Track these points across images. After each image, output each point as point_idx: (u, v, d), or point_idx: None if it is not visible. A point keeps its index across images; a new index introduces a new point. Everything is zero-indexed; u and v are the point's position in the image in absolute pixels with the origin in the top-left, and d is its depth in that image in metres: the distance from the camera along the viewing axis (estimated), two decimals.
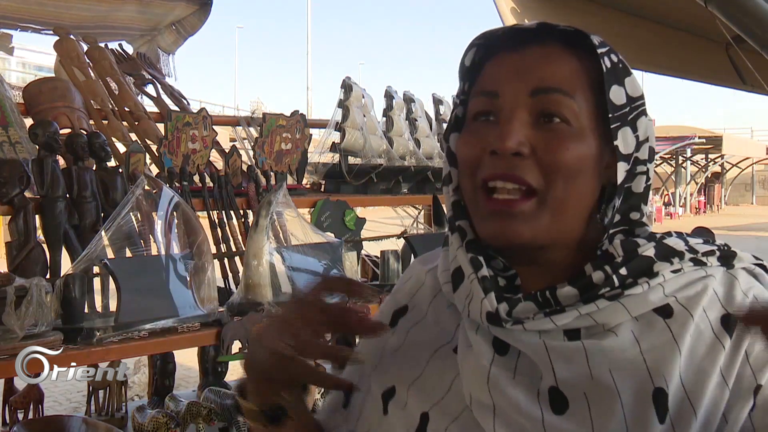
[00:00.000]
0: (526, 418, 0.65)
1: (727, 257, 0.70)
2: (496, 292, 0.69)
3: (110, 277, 1.78)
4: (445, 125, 3.12)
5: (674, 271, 0.67)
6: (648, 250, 0.68)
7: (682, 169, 26.42)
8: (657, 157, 0.83)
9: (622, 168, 0.68)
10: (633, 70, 0.72)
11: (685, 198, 26.68)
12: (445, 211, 0.77)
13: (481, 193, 0.69)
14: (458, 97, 0.76)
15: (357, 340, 2.85)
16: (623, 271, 0.66)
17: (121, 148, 2.19)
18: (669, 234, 0.71)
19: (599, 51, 0.68)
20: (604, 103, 0.68)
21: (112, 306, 1.82)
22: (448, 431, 0.70)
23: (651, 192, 0.73)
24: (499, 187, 0.68)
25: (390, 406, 0.76)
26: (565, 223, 0.69)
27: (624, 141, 0.68)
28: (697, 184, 28.33)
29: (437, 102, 3.14)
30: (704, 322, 0.66)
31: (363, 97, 2.70)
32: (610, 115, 0.67)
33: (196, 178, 2.24)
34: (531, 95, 0.68)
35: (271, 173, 2.45)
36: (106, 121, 2.29)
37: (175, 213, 1.94)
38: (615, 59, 0.69)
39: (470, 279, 0.71)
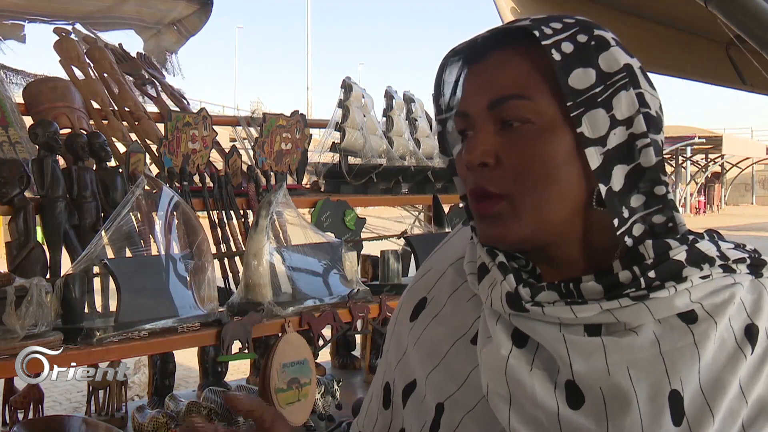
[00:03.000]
0: (542, 410, 0.65)
1: (757, 265, 0.69)
2: (517, 279, 0.70)
3: (110, 277, 1.78)
4: None
5: (703, 277, 0.66)
6: (680, 253, 0.66)
7: (682, 169, 26.42)
8: None
9: (593, 153, 0.66)
10: None
11: (685, 198, 26.68)
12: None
13: (471, 202, 0.72)
14: (452, 110, 0.78)
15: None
16: (652, 273, 0.65)
17: (121, 148, 2.19)
18: (701, 236, 0.70)
19: (546, 43, 0.67)
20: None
21: (112, 306, 1.81)
22: (463, 422, 0.71)
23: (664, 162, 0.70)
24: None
25: (410, 400, 0.77)
26: (554, 218, 0.68)
27: (592, 125, 0.66)
28: (697, 184, 28.33)
29: None
30: (728, 331, 0.66)
31: (363, 97, 2.70)
32: (569, 104, 0.66)
33: (196, 178, 2.24)
34: (489, 108, 0.69)
35: (271, 173, 2.45)
36: (106, 121, 2.29)
37: (175, 213, 1.93)
38: (583, 39, 0.68)
39: (490, 266, 0.72)
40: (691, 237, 0.69)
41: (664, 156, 0.70)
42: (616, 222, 0.67)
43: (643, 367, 0.64)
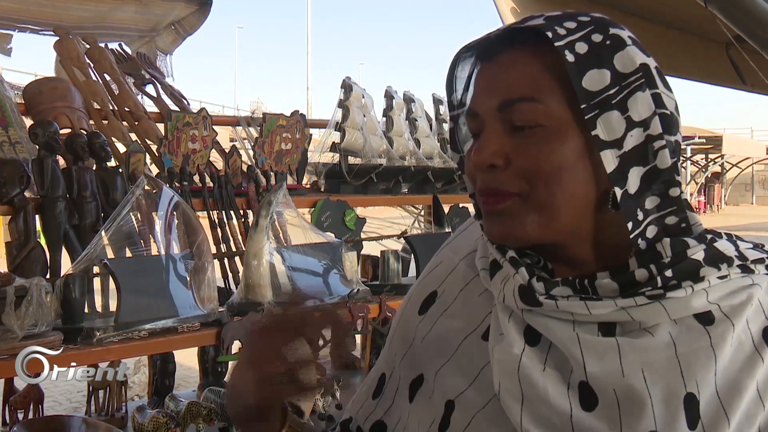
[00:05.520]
0: (555, 411, 0.64)
1: None
2: (530, 274, 0.69)
3: (110, 277, 1.78)
4: (445, 125, 3.13)
5: (720, 278, 0.65)
6: (697, 253, 0.65)
7: (682, 169, 26.35)
8: None
9: (609, 156, 0.65)
10: None
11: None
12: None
13: (479, 200, 0.72)
14: (457, 109, 0.77)
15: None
16: (669, 272, 0.64)
17: (121, 148, 2.19)
18: (719, 236, 0.69)
19: (558, 44, 0.66)
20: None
21: (112, 306, 1.81)
22: (474, 420, 0.70)
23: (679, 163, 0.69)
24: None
25: (417, 395, 0.76)
26: (563, 220, 0.67)
27: (607, 127, 0.65)
28: (697, 184, 28.30)
29: (437, 102, 3.14)
30: (745, 333, 0.65)
31: (363, 97, 2.70)
32: (582, 106, 0.65)
33: (196, 178, 2.24)
34: (499, 110, 0.68)
35: (271, 173, 2.45)
36: (106, 121, 2.29)
37: (175, 213, 1.93)
38: (598, 38, 0.67)
39: (501, 262, 0.71)
40: (709, 236, 0.68)
41: None
42: (630, 225, 0.66)
43: (658, 369, 0.63)
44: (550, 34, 0.66)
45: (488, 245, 0.74)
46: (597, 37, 0.67)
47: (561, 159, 0.66)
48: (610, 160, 0.65)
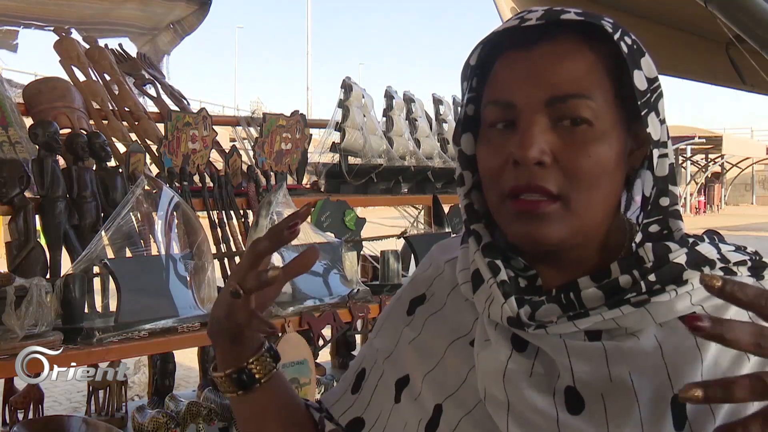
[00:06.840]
0: (541, 416, 0.64)
1: (757, 267, 0.68)
2: (517, 295, 0.68)
3: (110, 277, 1.78)
4: (445, 125, 3.13)
5: None
6: (679, 256, 0.65)
7: (682, 169, 26.39)
8: None
9: (657, 155, 0.65)
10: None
11: (685, 198, 26.66)
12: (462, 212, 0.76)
13: (507, 200, 0.68)
14: (465, 95, 0.73)
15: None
16: (652, 277, 0.64)
17: (121, 148, 2.19)
18: (701, 239, 0.69)
19: (615, 37, 0.65)
20: (622, 89, 0.66)
21: (112, 306, 1.81)
22: (461, 424, 0.70)
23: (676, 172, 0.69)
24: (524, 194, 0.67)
25: (403, 395, 0.76)
26: (593, 223, 0.67)
27: (653, 127, 0.65)
28: (697, 184, 28.30)
29: (437, 102, 3.14)
30: None
31: (363, 97, 2.70)
32: (638, 102, 0.65)
33: (196, 178, 2.24)
34: (547, 105, 0.65)
35: (271, 173, 2.45)
36: (106, 121, 2.29)
37: (175, 213, 1.94)
38: (629, 41, 0.66)
39: (489, 283, 0.69)
40: (691, 240, 0.68)
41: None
42: (639, 227, 0.67)
43: (645, 371, 0.64)
44: (607, 27, 0.65)
45: (477, 257, 0.72)
46: (628, 40, 0.67)
47: (606, 161, 0.65)
48: (657, 160, 0.66)
